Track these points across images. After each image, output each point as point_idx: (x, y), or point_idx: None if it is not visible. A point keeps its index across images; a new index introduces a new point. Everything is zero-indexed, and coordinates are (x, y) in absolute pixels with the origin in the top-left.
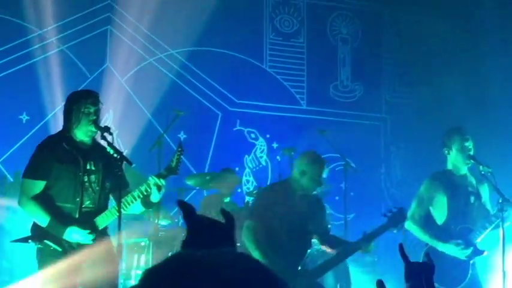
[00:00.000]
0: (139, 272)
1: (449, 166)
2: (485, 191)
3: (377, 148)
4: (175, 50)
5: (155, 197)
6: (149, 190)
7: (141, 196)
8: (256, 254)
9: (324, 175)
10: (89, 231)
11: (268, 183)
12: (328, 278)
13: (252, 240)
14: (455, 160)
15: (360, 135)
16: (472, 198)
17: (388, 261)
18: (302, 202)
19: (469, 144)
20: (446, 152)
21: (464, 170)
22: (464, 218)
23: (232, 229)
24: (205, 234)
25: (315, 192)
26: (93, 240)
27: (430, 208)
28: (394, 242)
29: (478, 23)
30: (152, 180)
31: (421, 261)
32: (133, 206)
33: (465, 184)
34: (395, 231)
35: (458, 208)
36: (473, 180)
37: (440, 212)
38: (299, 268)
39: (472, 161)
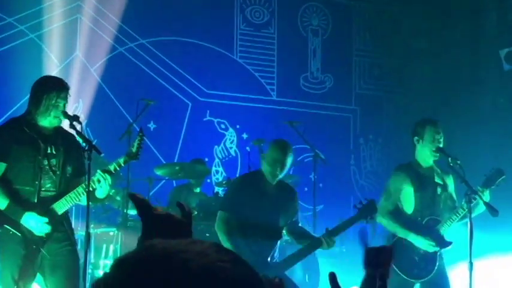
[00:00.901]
0: (108, 262)
1: (416, 157)
2: (450, 183)
3: (346, 140)
4: (146, 40)
5: (100, 192)
6: (94, 186)
7: (85, 192)
8: (227, 245)
9: (288, 161)
10: (47, 219)
11: (238, 173)
12: (297, 269)
13: (223, 231)
14: (423, 151)
15: (330, 126)
16: (439, 190)
17: (357, 252)
18: (274, 192)
19: (440, 137)
20: (416, 140)
21: (430, 162)
22: (431, 209)
23: (190, 223)
24: (162, 228)
25: (280, 178)
26: (49, 231)
27: (399, 200)
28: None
29: (448, 13)
30: (98, 175)
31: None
32: (83, 198)
33: (431, 175)
34: (365, 223)
35: (425, 200)
36: (438, 172)
37: (407, 204)
38: (268, 259)
39: (440, 153)
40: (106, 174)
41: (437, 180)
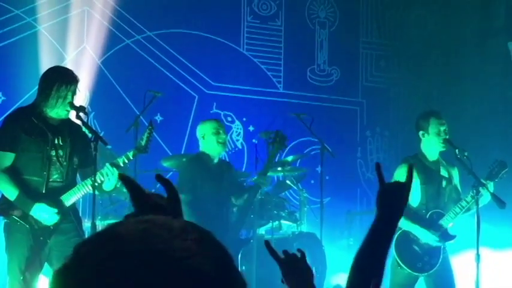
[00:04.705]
0: None
1: (422, 149)
2: (455, 175)
3: (353, 132)
4: (153, 32)
5: (107, 185)
6: (101, 179)
7: (95, 185)
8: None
9: (223, 134)
10: (56, 210)
11: (244, 166)
12: None
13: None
14: (429, 144)
15: (336, 119)
16: (444, 183)
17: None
18: (217, 170)
19: (445, 128)
20: (421, 135)
21: (436, 155)
22: (436, 202)
23: (178, 202)
24: (152, 208)
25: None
26: (58, 221)
27: None
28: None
29: (456, 5)
30: (106, 169)
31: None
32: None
33: (437, 168)
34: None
35: (431, 193)
36: (444, 164)
37: (413, 197)
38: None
39: (447, 144)
40: (114, 168)
41: (442, 173)
